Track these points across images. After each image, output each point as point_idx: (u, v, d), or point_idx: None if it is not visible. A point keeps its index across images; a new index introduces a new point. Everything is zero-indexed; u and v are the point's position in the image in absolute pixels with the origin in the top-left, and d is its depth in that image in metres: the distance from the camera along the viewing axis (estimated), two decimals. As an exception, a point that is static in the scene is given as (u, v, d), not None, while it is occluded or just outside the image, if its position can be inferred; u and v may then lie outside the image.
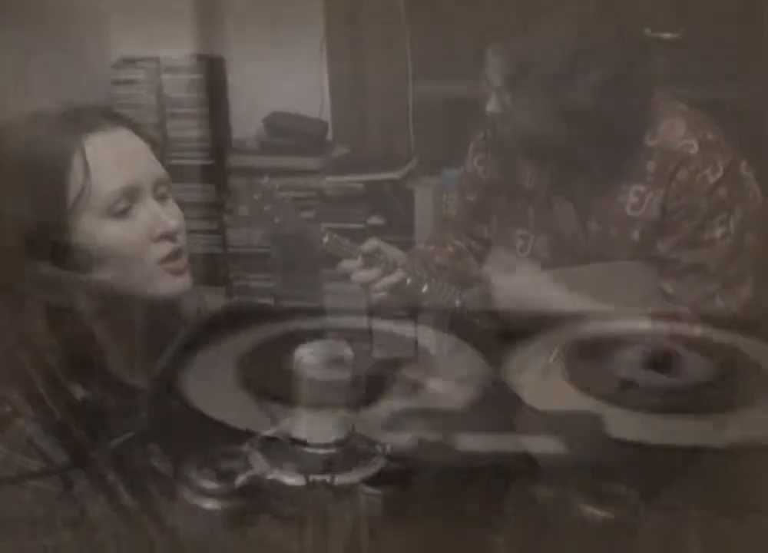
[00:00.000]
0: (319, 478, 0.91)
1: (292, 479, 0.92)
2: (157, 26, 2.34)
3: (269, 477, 0.92)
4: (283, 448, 0.94)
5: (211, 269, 2.60)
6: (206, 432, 1.11)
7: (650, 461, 1.12)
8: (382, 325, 1.32)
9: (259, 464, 0.93)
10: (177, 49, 2.53)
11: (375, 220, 2.54)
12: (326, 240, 1.71)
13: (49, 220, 1.17)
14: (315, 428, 0.93)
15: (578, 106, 1.47)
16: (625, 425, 1.16)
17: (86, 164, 1.16)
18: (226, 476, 1.00)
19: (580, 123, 1.49)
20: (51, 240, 1.16)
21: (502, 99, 1.54)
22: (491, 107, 1.57)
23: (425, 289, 1.66)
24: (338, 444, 0.93)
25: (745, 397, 1.22)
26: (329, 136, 2.65)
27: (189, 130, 2.61)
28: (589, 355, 1.33)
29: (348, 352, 0.94)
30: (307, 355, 0.92)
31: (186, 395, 1.12)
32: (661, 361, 1.27)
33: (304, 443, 0.93)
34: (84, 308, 1.17)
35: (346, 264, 1.68)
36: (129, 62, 2.57)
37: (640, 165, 1.54)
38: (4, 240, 1.16)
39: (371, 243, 1.68)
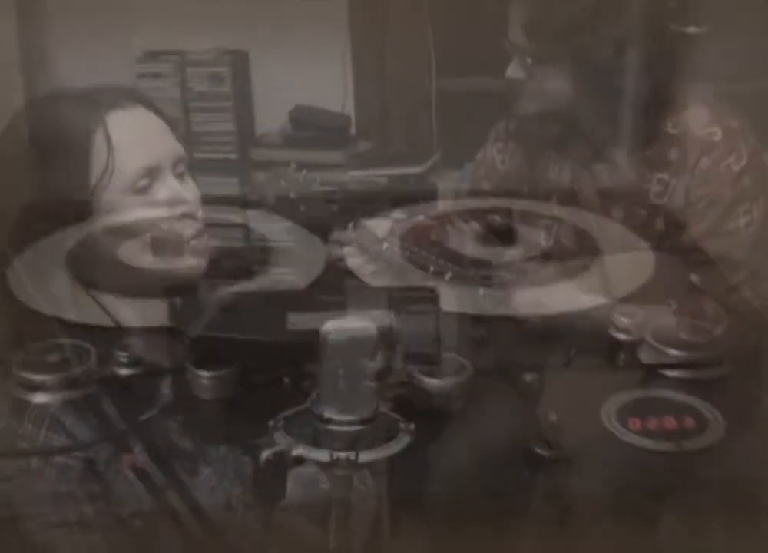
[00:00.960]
0: (343, 454, 0.92)
1: (317, 455, 0.92)
2: (182, 19, 2.36)
3: (294, 453, 0.93)
4: (308, 425, 0.95)
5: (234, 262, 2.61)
6: (34, 324, 1.11)
7: (482, 330, 1.15)
8: (221, 215, 1.32)
9: (283, 440, 0.94)
10: (202, 43, 2.55)
11: (398, 214, 2.54)
12: (350, 226, 1.71)
13: (74, 196, 1.18)
14: (339, 404, 0.94)
15: (599, 60, 1.47)
16: (459, 298, 1.19)
17: (109, 141, 1.18)
18: (54, 368, 1.00)
19: (602, 92, 1.49)
20: (75, 217, 1.18)
21: (524, 61, 1.54)
22: (512, 71, 1.56)
23: (448, 276, 1.67)
24: (363, 421, 0.94)
25: (578, 266, 1.26)
26: (353, 130, 2.66)
27: (213, 123, 2.62)
28: (422, 233, 1.35)
29: (373, 329, 0.94)
30: (333, 333, 0.93)
31: (13, 288, 1.13)
32: (500, 235, 1.30)
33: (329, 421, 0.93)
34: (107, 284, 1.18)
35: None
36: (153, 56, 2.58)
37: (663, 153, 1.54)
38: (31, 215, 1.17)
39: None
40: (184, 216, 1.21)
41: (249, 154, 2.65)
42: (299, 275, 1.21)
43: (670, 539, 1.03)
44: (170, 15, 2.34)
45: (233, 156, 2.66)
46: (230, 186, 2.66)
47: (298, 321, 1.00)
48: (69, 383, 1.01)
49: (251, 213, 1.40)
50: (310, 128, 2.62)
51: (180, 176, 1.23)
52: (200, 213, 1.24)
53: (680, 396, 1.07)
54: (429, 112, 2.56)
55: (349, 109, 2.62)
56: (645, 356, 1.12)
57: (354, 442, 0.93)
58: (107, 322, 1.11)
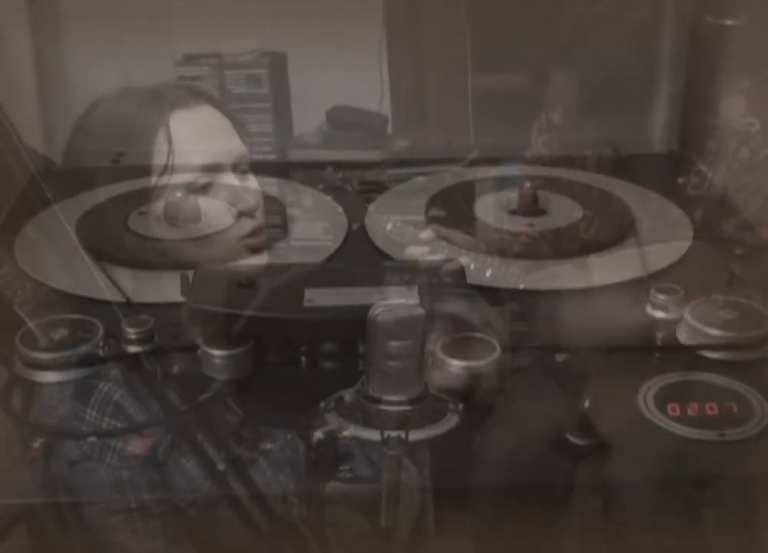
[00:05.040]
0: (393, 434, 0.93)
1: (368, 435, 0.94)
2: (220, 22, 2.37)
3: (345, 433, 0.94)
4: (357, 405, 0.97)
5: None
6: (41, 298, 1.10)
7: (513, 306, 1.12)
8: (242, 181, 1.31)
9: (334, 420, 0.96)
10: (239, 45, 2.56)
11: (435, 211, 2.55)
12: (389, 227, 1.72)
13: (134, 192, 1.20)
14: (388, 385, 0.95)
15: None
16: (487, 271, 1.16)
17: (170, 139, 1.20)
18: (59, 345, 1.00)
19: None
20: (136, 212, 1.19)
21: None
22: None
23: (488, 273, 1.67)
24: (412, 401, 0.96)
25: (613, 238, 1.22)
26: (390, 129, 2.67)
27: (251, 125, 2.63)
28: (453, 202, 1.34)
29: (421, 310, 0.95)
30: (382, 314, 0.94)
31: (21, 260, 1.12)
32: (528, 205, 1.27)
33: (378, 401, 0.95)
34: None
35: (412, 251, 1.69)
36: (192, 59, 2.60)
37: (701, 144, 1.55)
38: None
39: (428, 233, 1.69)
40: (242, 213, 1.23)
41: (287, 155, 2.67)
42: (319, 248, 1.21)
43: (711, 534, 1.01)
44: (208, 18, 2.36)
45: (271, 157, 2.68)
46: (269, 187, 2.68)
47: (315, 297, 1.01)
48: (75, 362, 1.01)
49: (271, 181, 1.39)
50: (348, 128, 2.63)
51: (241, 175, 1.25)
52: (259, 212, 1.24)
53: (722, 380, 1.03)
54: (467, 109, 2.57)
55: (386, 108, 2.64)
56: (684, 336, 1.09)
57: (404, 422, 0.95)
58: (116, 296, 1.10)
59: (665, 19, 1.69)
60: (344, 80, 2.52)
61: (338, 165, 2.40)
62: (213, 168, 1.23)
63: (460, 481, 1.00)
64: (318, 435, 0.94)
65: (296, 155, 2.65)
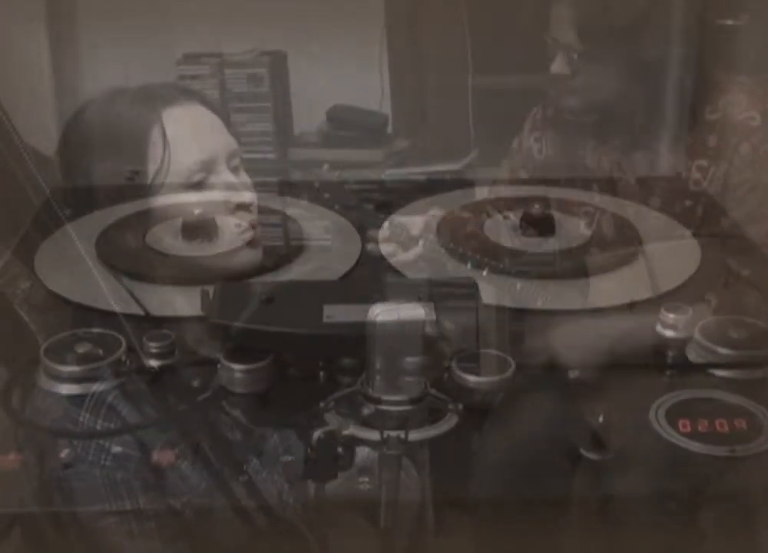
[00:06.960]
0: (393, 434, 0.93)
1: (367, 434, 0.94)
2: (220, 21, 2.38)
3: (345, 432, 0.94)
4: (357, 405, 0.96)
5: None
6: (62, 313, 1.10)
7: (524, 325, 1.13)
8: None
9: (334, 420, 0.95)
10: (240, 44, 2.57)
11: (435, 211, 2.55)
12: (386, 225, 1.72)
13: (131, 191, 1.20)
14: (388, 386, 0.95)
15: (646, 56, 1.47)
16: (498, 290, 1.16)
17: (165, 137, 1.20)
18: (83, 359, 1.00)
19: (645, 83, 1.50)
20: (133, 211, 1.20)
21: (570, 57, 1.54)
22: (557, 67, 1.57)
23: (484, 273, 1.67)
24: (412, 401, 0.95)
25: (621, 258, 1.23)
26: (390, 128, 2.67)
27: (251, 124, 2.64)
28: (463, 221, 1.33)
29: (421, 311, 0.95)
30: (381, 314, 0.94)
31: (41, 275, 1.13)
32: (538, 225, 1.27)
33: (378, 401, 0.95)
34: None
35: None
36: (193, 58, 2.60)
37: (702, 139, 1.54)
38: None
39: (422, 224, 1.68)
40: (238, 208, 1.23)
41: (287, 154, 2.67)
42: (334, 265, 1.22)
43: (720, 548, 1.01)
44: (208, 18, 2.36)
45: (271, 156, 2.68)
46: (268, 186, 2.68)
47: (334, 313, 1.01)
48: (98, 375, 1.01)
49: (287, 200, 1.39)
50: (348, 127, 2.63)
51: (234, 169, 1.25)
52: (254, 206, 1.25)
53: (731, 397, 1.04)
54: (466, 109, 2.57)
55: (387, 107, 2.64)
56: (693, 355, 1.09)
57: (404, 422, 0.94)
58: (137, 310, 1.11)
59: (672, 32, 1.68)
60: (344, 80, 2.52)
61: (338, 164, 2.41)
62: (207, 164, 1.23)
63: (460, 481, 0.99)
64: (318, 434, 0.93)
65: (297, 154, 2.65)
